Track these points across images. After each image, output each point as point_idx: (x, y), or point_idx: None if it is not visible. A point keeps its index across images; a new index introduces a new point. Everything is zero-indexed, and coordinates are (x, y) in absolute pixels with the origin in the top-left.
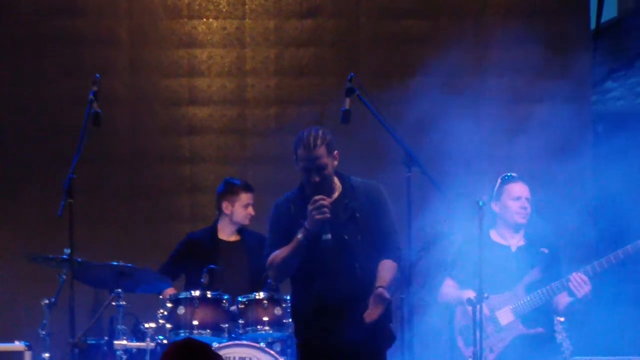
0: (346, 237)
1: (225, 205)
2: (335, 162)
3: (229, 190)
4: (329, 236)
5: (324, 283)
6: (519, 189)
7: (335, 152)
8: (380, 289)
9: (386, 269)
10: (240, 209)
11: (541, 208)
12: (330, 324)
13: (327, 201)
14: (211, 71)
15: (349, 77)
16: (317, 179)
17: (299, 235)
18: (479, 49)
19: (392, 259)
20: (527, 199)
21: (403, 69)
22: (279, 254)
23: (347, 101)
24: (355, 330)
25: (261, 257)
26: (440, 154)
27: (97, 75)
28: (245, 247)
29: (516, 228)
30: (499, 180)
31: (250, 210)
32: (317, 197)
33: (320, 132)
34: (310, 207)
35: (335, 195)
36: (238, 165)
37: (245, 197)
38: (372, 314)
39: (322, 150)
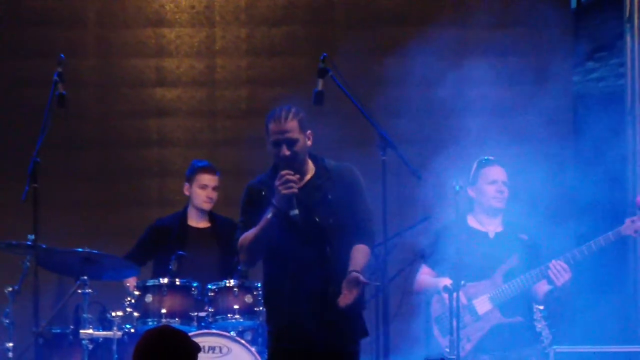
0: (317, 219)
1: (186, 188)
2: (309, 142)
3: (189, 171)
4: (297, 211)
5: (296, 267)
6: (495, 173)
7: (309, 132)
8: (355, 273)
9: (360, 254)
10: (198, 191)
11: (520, 191)
12: (302, 309)
13: (294, 176)
14: (179, 51)
15: (321, 57)
16: (287, 152)
17: (269, 215)
18: (457, 30)
19: (366, 243)
20: (503, 182)
21: (379, 49)
22: (248, 235)
23: (320, 82)
24: (327, 316)
25: (232, 244)
26: (418, 137)
27: (62, 55)
28: (215, 233)
29: (494, 213)
30: (475, 164)
31: (209, 193)
32: (283, 172)
33: (293, 109)
34: (277, 182)
35: (308, 177)
36: (208, 149)
37: (202, 178)
38: (345, 298)
39: (293, 124)
